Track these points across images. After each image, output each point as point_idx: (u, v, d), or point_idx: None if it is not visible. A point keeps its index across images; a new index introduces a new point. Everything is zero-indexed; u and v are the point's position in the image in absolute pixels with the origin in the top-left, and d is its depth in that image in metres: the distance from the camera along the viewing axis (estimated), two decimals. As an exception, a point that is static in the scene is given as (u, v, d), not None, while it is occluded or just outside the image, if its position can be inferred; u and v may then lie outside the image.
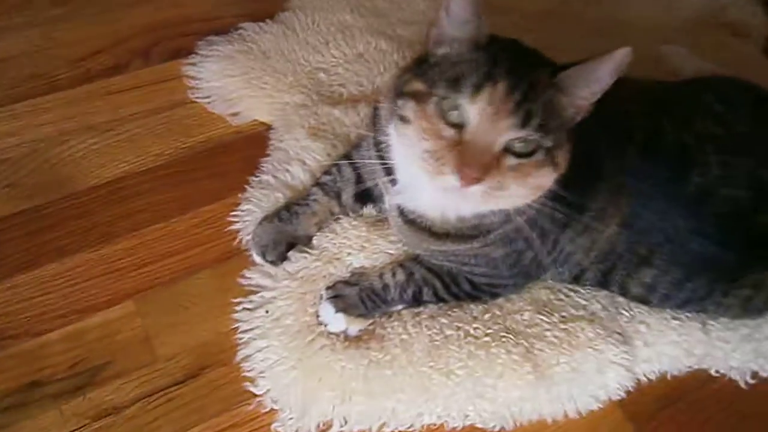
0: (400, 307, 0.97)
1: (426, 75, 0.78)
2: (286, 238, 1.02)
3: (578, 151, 0.82)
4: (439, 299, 0.98)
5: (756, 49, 1.38)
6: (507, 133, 0.74)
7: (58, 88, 1.21)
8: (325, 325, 0.94)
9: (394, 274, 0.97)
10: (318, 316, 0.95)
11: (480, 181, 0.74)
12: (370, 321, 0.96)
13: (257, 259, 1.01)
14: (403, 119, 0.79)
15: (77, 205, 1.07)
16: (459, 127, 0.75)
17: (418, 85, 0.79)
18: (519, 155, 0.76)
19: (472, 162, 0.73)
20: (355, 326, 0.94)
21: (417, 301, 0.97)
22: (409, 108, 0.78)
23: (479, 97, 0.73)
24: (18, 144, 1.13)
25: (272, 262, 1.00)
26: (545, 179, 0.79)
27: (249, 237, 1.04)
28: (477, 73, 0.74)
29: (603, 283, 0.99)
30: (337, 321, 0.94)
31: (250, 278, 1.00)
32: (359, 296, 0.95)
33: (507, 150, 0.76)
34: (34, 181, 1.09)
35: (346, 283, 0.97)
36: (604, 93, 0.78)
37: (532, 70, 0.76)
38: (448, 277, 0.97)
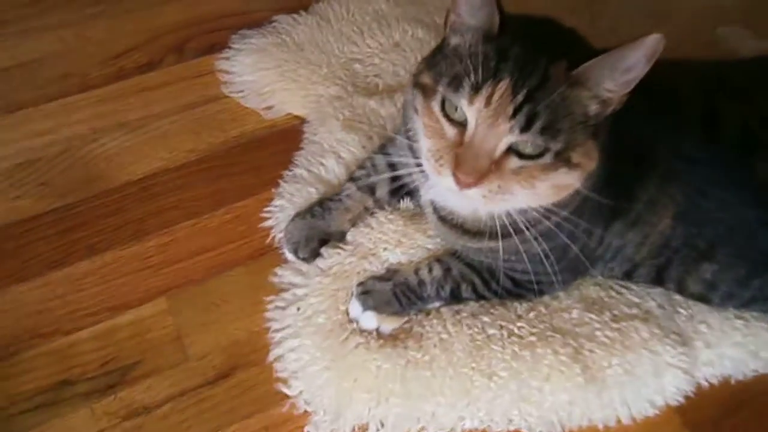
0: (437, 304, 0.92)
1: (436, 67, 0.73)
2: (318, 234, 0.98)
3: (625, 136, 0.76)
4: (480, 296, 0.93)
5: (822, 30, 1.29)
6: (507, 136, 0.69)
7: (91, 86, 1.20)
8: (356, 323, 0.90)
9: (430, 270, 0.92)
10: (348, 314, 0.91)
11: (476, 185, 0.70)
12: (405, 319, 0.91)
13: (289, 256, 0.98)
14: (416, 111, 0.75)
15: (109, 203, 1.06)
16: (462, 126, 0.71)
17: (426, 78, 0.74)
18: (525, 156, 0.70)
19: (468, 166, 0.69)
20: (389, 324, 0.90)
21: (455, 298, 0.92)
22: (418, 102, 0.75)
23: (477, 99, 0.68)
24: (51, 143, 1.12)
25: (304, 259, 0.97)
26: (561, 180, 0.73)
27: (281, 233, 1.00)
28: (479, 71, 0.68)
29: (658, 280, 0.93)
30: (367, 319, 0.89)
31: (281, 275, 0.97)
32: (393, 292, 0.90)
33: (512, 150, 0.70)
34: (67, 179, 1.08)
35: (379, 278, 0.93)
36: (653, 73, 0.69)
37: (546, 63, 0.68)
38: (488, 274, 0.91)
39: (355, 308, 0.90)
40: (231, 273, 0.99)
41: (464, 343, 0.88)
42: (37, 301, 0.95)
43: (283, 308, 0.93)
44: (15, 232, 1.01)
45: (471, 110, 0.69)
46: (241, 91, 1.19)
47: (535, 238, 0.83)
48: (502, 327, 0.90)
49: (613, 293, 0.95)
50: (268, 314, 0.94)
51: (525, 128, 0.68)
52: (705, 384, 0.92)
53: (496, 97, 0.67)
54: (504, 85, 0.67)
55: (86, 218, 1.04)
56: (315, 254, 0.97)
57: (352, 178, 1.02)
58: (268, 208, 1.05)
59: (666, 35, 1.23)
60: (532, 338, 0.89)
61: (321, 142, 1.08)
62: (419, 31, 1.24)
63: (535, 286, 0.91)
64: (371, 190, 1.00)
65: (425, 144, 0.74)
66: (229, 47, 1.25)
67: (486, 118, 0.68)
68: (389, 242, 0.96)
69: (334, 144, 1.07)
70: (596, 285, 0.95)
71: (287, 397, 0.88)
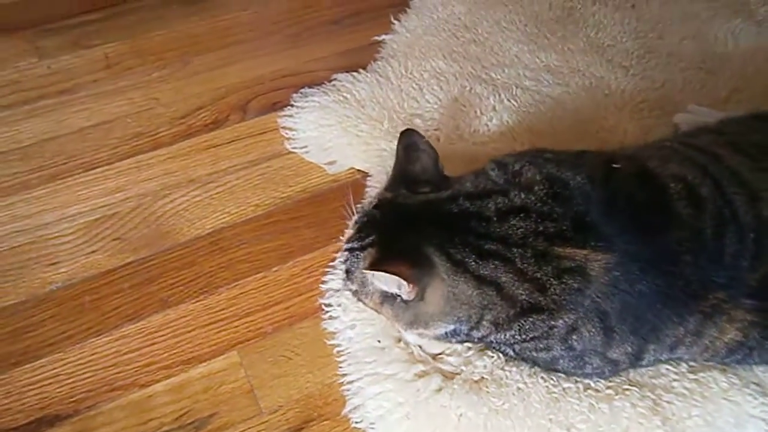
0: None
1: None
2: None
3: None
4: None
5: None
6: None
7: (161, 144, 1.25)
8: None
9: None
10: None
11: None
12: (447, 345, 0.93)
13: None
14: None
15: (180, 257, 1.09)
16: None
17: None
18: None
19: None
20: (433, 348, 0.92)
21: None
22: None
23: None
24: (125, 199, 1.16)
25: None
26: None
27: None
28: None
29: (740, 363, 0.90)
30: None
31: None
32: None
33: None
34: (140, 234, 1.11)
35: None
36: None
37: None
38: None
39: None
40: (301, 326, 1.01)
41: (541, 394, 0.87)
42: (115, 353, 0.97)
43: (357, 361, 0.94)
44: (92, 286, 1.04)
45: None
46: (305, 147, 1.23)
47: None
48: (577, 381, 0.89)
49: (688, 344, 0.94)
50: (341, 364, 0.95)
51: None
52: (787, 436, 0.89)
53: None
54: None
55: (159, 272, 1.07)
56: None
57: None
58: (332, 264, 1.06)
59: (720, 86, 1.25)
60: (609, 391, 0.88)
61: (384, 194, 1.10)
62: (477, 86, 1.27)
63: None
64: None
65: None
66: (292, 105, 1.29)
67: None
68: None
69: (399, 196, 1.09)
70: (669, 336, 0.94)
71: (364, 451, 0.88)
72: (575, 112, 1.22)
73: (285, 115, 1.28)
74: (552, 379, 0.89)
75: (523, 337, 0.82)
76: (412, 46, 1.37)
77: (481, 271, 0.80)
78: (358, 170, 1.21)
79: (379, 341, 0.94)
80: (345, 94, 1.27)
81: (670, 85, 1.28)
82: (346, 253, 0.89)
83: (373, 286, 0.86)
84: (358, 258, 0.86)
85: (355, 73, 1.32)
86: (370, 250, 0.85)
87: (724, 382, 0.89)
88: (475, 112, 1.23)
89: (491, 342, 0.87)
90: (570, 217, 0.80)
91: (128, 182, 1.19)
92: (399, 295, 0.83)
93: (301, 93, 1.31)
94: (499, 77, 1.29)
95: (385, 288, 0.83)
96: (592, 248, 0.78)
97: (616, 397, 0.87)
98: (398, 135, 0.92)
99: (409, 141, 0.91)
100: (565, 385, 0.88)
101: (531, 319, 0.80)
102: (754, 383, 0.90)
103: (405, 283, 0.78)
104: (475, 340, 0.88)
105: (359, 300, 0.91)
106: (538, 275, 0.78)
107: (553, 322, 0.80)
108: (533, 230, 0.80)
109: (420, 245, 0.81)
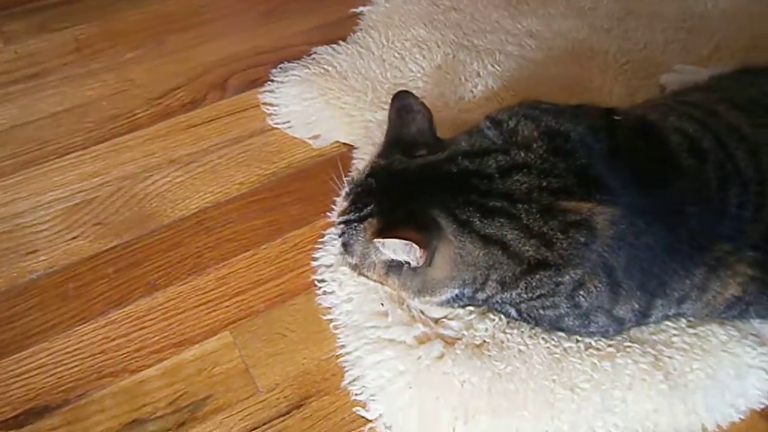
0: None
1: None
2: None
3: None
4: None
5: None
6: None
7: (139, 126, 1.21)
8: None
9: None
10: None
11: None
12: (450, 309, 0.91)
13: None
14: None
15: (165, 239, 1.06)
16: None
17: None
18: None
19: None
20: (434, 313, 0.91)
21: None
22: None
23: None
24: (103, 183, 1.13)
25: None
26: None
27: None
28: None
29: (738, 318, 0.90)
30: None
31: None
32: None
33: None
34: (122, 217, 1.08)
35: None
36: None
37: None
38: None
39: None
40: (293, 302, 0.99)
41: (542, 355, 0.87)
42: (103, 340, 0.94)
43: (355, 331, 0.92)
44: (75, 273, 1.01)
45: None
46: (287, 122, 1.20)
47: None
48: (578, 341, 0.88)
49: (686, 299, 0.94)
50: (339, 335, 0.93)
51: None
52: (788, 386, 0.90)
53: None
54: None
55: (144, 255, 1.04)
56: None
57: None
58: (322, 240, 1.04)
59: (701, 45, 1.26)
60: (611, 349, 0.88)
61: (371, 166, 1.08)
62: (460, 53, 1.26)
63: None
64: None
65: None
66: (271, 80, 1.26)
67: None
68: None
69: (386, 167, 1.07)
70: (667, 293, 0.94)
71: (365, 422, 0.86)
72: (559, 76, 1.21)
73: (265, 91, 1.25)
74: (553, 339, 0.88)
75: (530, 295, 0.81)
76: (392, 16, 1.35)
77: (487, 230, 0.78)
78: (344, 143, 1.18)
79: (382, 304, 0.92)
80: (326, 67, 1.24)
81: (653, 45, 1.28)
82: (342, 225, 0.86)
83: (377, 257, 0.84)
84: (356, 230, 0.84)
85: (335, 45, 1.30)
86: (370, 220, 0.82)
87: (723, 334, 0.89)
88: (460, 79, 1.21)
89: (495, 303, 0.86)
90: (572, 171, 0.78)
91: (106, 166, 1.15)
92: (407, 263, 0.81)
93: (281, 68, 1.28)
94: (481, 43, 1.28)
95: (393, 256, 0.81)
96: (597, 201, 0.77)
97: (618, 354, 0.87)
98: (382, 106, 0.91)
99: (402, 103, 0.88)
100: (567, 344, 0.88)
101: (538, 276, 0.79)
102: (753, 334, 0.90)
103: (417, 247, 0.76)
104: (479, 302, 0.86)
105: (360, 274, 0.89)
106: (545, 230, 0.77)
107: (559, 278, 0.78)
108: (537, 185, 0.78)
109: (424, 209, 0.79)
